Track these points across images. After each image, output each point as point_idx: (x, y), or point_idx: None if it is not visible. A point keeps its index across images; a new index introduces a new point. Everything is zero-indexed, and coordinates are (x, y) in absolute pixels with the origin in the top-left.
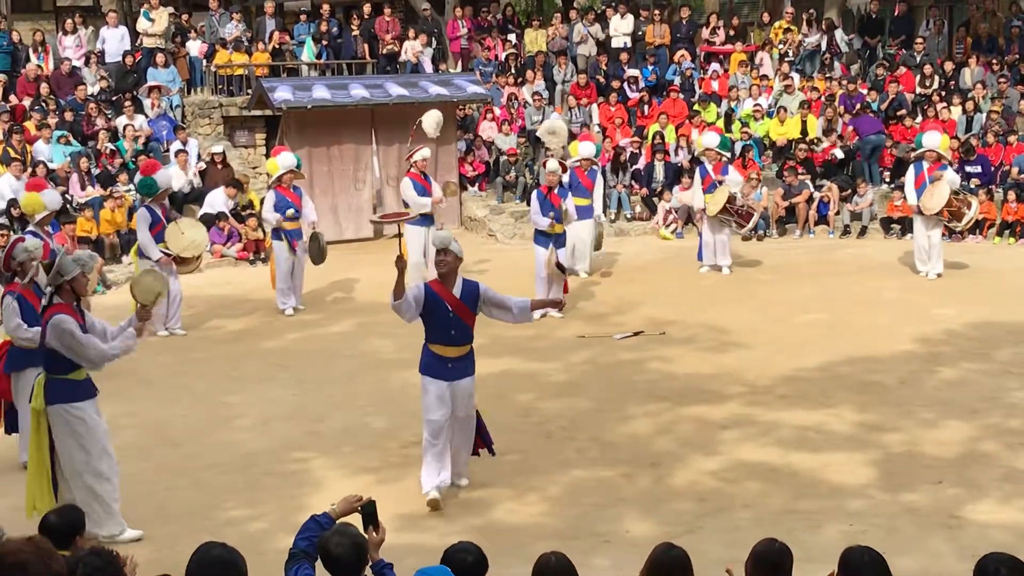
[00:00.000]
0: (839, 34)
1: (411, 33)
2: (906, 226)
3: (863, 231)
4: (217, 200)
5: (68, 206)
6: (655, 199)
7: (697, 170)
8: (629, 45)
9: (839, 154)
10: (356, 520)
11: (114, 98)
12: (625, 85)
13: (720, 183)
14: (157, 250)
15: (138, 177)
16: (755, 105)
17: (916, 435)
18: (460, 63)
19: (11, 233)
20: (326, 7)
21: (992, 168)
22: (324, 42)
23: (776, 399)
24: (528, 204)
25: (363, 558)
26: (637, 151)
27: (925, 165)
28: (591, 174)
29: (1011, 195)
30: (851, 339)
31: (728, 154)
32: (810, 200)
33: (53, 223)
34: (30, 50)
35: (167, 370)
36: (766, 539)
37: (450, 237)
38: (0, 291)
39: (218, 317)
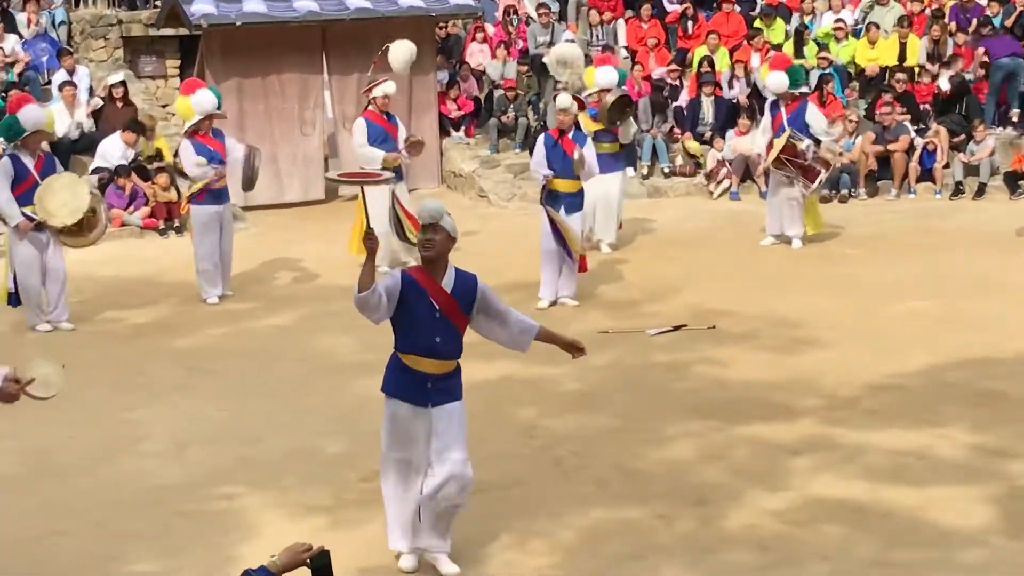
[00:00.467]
0: None
1: None
2: None
3: (981, 190)
4: (115, 149)
5: None
6: (702, 148)
7: (767, 107)
8: None
9: (946, 86)
10: None
11: None
12: None
13: (805, 128)
14: (17, 211)
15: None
16: (836, 21)
17: None
18: None
19: None
20: None
21: None
22: None
23: (864, 415)
24: (531, 155)
25: None
26: (677, 83)
27: None
28: None
29: None
30: (965, 335)
31: (806, 88)
32: (910, 149)
33: None
34: None
35: None
36: None
37: (442, 209)
38: None
39: (118, 306)
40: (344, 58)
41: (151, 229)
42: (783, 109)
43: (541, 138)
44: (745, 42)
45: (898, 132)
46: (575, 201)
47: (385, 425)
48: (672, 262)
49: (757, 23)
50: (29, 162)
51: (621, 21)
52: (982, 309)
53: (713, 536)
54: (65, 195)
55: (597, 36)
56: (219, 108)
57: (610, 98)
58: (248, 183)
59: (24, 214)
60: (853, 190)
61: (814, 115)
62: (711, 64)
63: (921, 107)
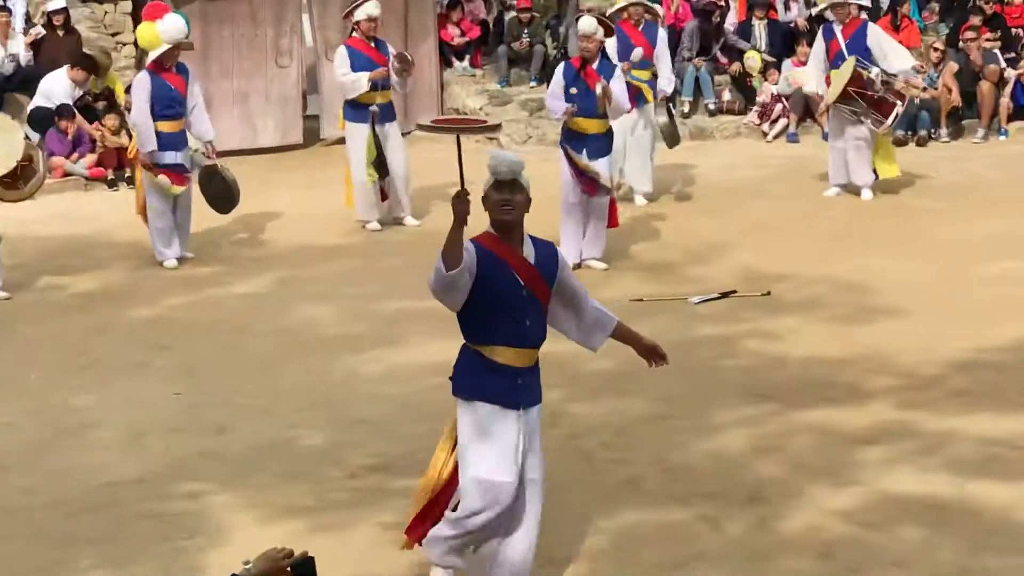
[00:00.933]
0: None
1: None
2: None
3: None
4: (58, 87)
5: None
6: (754, 80)
7: (820, 33)
8: None
9: None
10: None
11: None
12: None
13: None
14: None
15: None
16: None
17: None
18: None
19: None
20: None
21: None
22: None
23: (947, 397)
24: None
25: None
26: (724, 4)
27: None
28: (649, 30)
29: None
30: None
31: (867, 2)
32: (1001, 82)
33: None
34: None
35: None
36: None
37: (522, 162)
38: None
39: (60, 271)
40: None
41: (99, 180)
42: (839, 34)
43: (560, 68)
44: None
45: (987, 62)
46: (601, 144)
47: (471, 444)
48: (719, 217)
49: None
50: None
51: None
52: None
53: (768, 541)
54: None
55: None
56: (188, 37)
57: None
58: (224, 205)
59: None
60: (933, 131)
61: (879, 39)
62: None
63: (1014, 32)
